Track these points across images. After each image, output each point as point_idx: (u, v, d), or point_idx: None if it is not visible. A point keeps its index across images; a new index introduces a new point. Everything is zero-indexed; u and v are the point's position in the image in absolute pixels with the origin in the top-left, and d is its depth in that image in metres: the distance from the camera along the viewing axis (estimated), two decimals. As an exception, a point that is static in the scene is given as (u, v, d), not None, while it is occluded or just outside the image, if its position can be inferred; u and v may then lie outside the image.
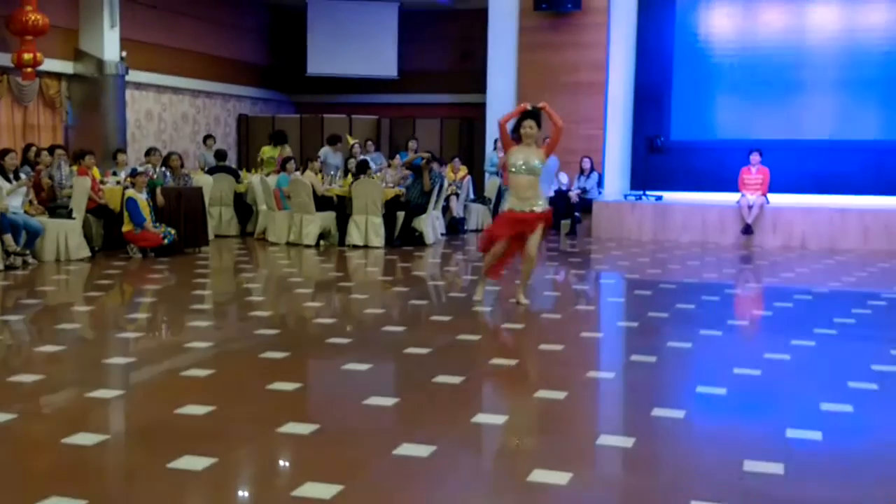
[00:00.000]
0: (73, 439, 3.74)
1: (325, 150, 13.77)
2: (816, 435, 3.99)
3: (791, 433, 3.99)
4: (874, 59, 13.76)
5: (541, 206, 6.99)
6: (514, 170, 6.90)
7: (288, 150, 13.52)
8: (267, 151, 13.66)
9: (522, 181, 6.89)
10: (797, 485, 3.43)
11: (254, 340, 5.81)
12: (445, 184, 12.36)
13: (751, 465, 3.58)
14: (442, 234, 12.28)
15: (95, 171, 10.82)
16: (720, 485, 3.39)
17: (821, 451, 3.81)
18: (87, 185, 9.85)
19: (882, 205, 12.39)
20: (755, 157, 12.43)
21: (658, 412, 4.25)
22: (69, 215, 9.62)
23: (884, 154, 13.62)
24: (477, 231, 13.53)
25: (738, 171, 12.70)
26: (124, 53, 13.01)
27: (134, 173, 10.25)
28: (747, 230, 12.15)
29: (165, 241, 9.78)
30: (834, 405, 4.49)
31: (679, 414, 4.25)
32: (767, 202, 12.26)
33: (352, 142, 13.99)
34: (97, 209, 10.19)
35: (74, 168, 10.35)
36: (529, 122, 6.83)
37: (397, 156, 13.42)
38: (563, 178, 13.63)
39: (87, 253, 9.65)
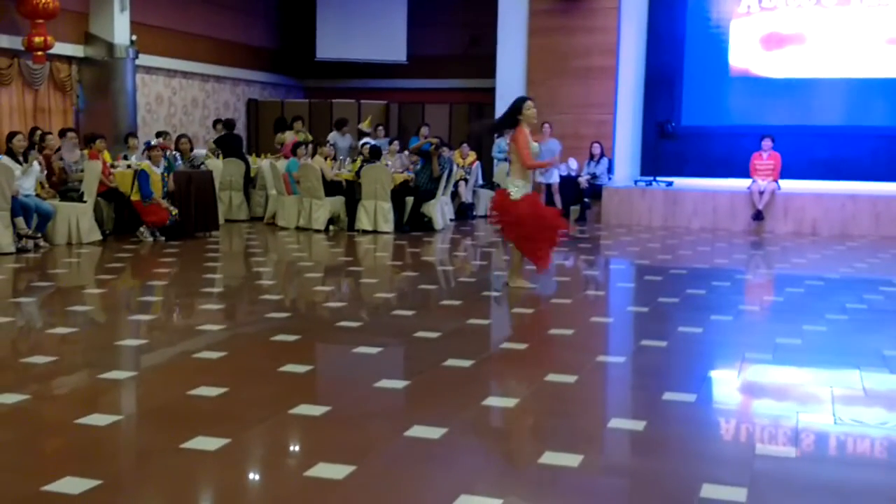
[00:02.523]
0: (87, 420, 3.76)
1: (333, 135, 13.77)
2: (828, 418, 3.99)
3: (803, 416, 3.99)
4: (887, 44, 13.64)
5: None
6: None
7: (288, 136, 13.51)
8: (288, 137, 13.67)
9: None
10: (809, 467, 3.43)
11: (265, 323, 5.83)
12: (454, 169, 12.34)
13: (763, 449, 3.58)
14: (451, 220, 12.27)
15: (106, 155, 10.86)
16: (732, 468, 3.39)
17: (833, 434, 3.80)
18: (98, 169, 9.88)
19: (894, 191, 12.31)
20: (767, 143, 12.38)
21: (669, 396, 4.25)
22: (80, 199, 9.65)
23: (895, 140, 13.52)
24: (486, 217, 13.50)
25: (749, 157, 12.64)
26: (134, 37, 13.01)
27: (148, 145, 10.29)
28: (758, 216, 12.10)
29: (168, 221, 9.76)
30: (845, 390, 4.48)
31: (690, 398, 4.24)
32: (779, 188, 12.21)
33: (369, 123, 14.03)
34: (108, 193, 10.23)
35: (86, 152, 10.38)
36: (530, 103, 6.91)
37: (395, 141, 13.37)
38: (573, 163, 13.58)
39: (98, 236, 9.69)
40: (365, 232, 11.04)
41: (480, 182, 13.97)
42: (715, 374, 4.76)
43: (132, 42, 12.96)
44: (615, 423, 3.92)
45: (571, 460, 3.39)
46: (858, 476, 3.38)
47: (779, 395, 4.47)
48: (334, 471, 3.24)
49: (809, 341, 5.49)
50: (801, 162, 13.08)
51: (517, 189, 6.91)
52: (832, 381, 4.67)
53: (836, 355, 5.19)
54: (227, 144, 12.64)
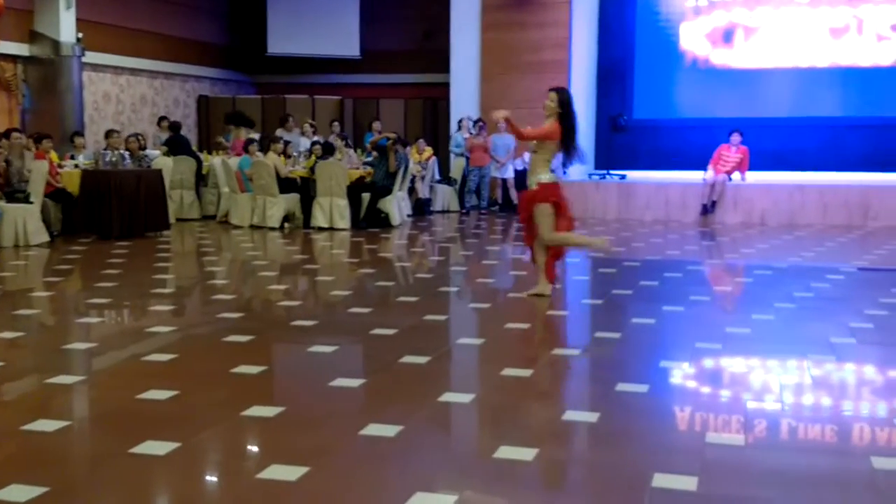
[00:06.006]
0: (34, 426, 3.68)
1: (280, 131, 13.70)
2: (776, 406, 4.06)
3: (752, 405, 4.06)
4: (833, 35, 13.93)
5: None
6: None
7: (243, 133, 13.37)
8: (242, 134, 13.51)
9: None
10: (759, 455, 3.49)
11: (217, 324, 5.76)
12: (411, 165, 12.32)
13: (713, 437, 3.63)
14: (408, 216, 12.25)
15: (53, 155, 10.64)
16: (683, 457, 3.44)
17: (782, 422, 3.87)
18: (44, 170, 9.68)
19: (840, 180, 12.59)
20: (736, 138, 12.47)
21: (622, 387, 4.30)
22: (27, 200, 9.44)
23: (841, 130, 13.83)
24: (443, 212, 13.52)
25: (700, 149, 12.85)
26: (80, 35, 12.77)
27: None
28: (707, 210, 12.23)
29: None
30: (793, 377, 4.57)
31: (643, 388, 4.29)
32: (730, 180, 12.40)
33: (305, 122, 13.98)
34: (55, 193, 10.04)
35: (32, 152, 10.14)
36: (551, 95, 6.53)
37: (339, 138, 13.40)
38: (528, 157, 13.63)
39: (45, 238, 9.50)
40: (321, 229, 10.97)
41: (437, 177, 13.97)
42: (667, 365, 4.81)
43: (78, 39, 12.72)
44: (569, 415, 3.95)
45: (526, 454, 3.41)
46: (807, 462, 3.44)
47: (729, 384, 4.54)
48: (288, 472, 3.21)
49: (758, 330, 5.58)
50: (750, 153, 13.31)
51: (546, 177, 6.51)
52: (781, 370, 4.76)
53: (784, 344, 5.28)
54: (177, 144, 12.48)
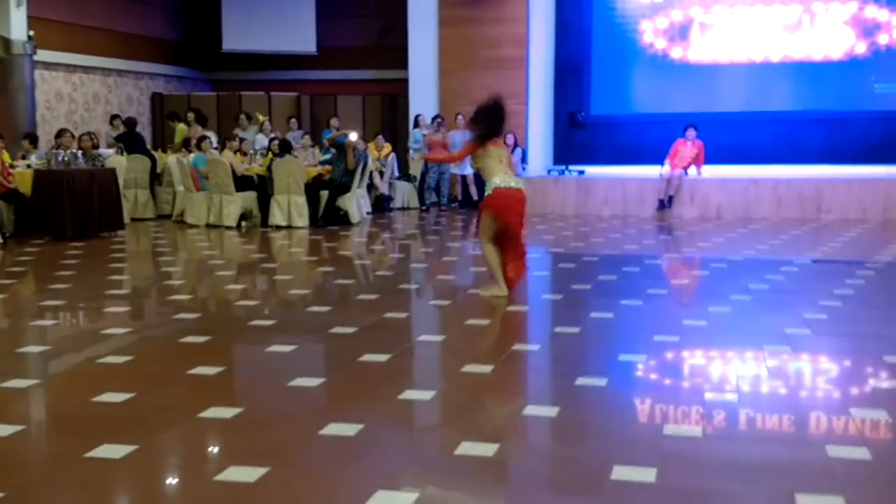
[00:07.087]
0: (-15, 432, 3.61)
1: (237, 130, 13.57)
2: (733, 397, 4.11)
3: (709, 396, 4.11)
4: (786, 30, 14.17)
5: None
6: None
7: (198, 130, 13.20)
8: (182, 130, 13.36)
9: None
10: (716, 446, 3.53)
11: (174, 325, 5.68)
12: (370, 162, 12.27)
13: (671, 429, 3.67)
14: (368, 213, 12.20)
15: (5, 156, 10.42)
16: (642, 449, 3.47)
17: (739, 412, 3.92)
18: (-6, 170, 9.49)
19: (794, 174, 12.81)
20: (691, 133, 12.59)
21: (582, 381, 4.32)
22: (-24, 201, 9.24)
23: (795, 124, 14.10)
24: (403, 209, 13.49)
25: (657, 145, 12.96)
26: (32, 32, 12.52)
27: None
28: (664, 204, 12.35)
29: None
30: (750, 368, 4.64)
31: (602, 382, 4.32)
32: (686, 174, 12.54)
33: (262, 119, 13.88)
34: (7, 194, 9.84)
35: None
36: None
37: (307, 135, 13.34)
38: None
39: (-3, 239, 9.31)
40: (279, 227, 10.88)
41: (397, 174, 13.93)
42: (625, 358, 4.85)
43: (29, 37, 12.47)
44: (530, 410, 3.96)
45: (487, 450, 3.42)
46: (764, 452, 3.48)
47: (686, 376, 4.60)
48: (246, 474, 3.18)
49: (715, 322, 5.66)
50: (705, 148, 13.49)
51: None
52: (737, 361, 4.83)
53: (740, 335, 5.36)
54: (131, 140, 12.28)
